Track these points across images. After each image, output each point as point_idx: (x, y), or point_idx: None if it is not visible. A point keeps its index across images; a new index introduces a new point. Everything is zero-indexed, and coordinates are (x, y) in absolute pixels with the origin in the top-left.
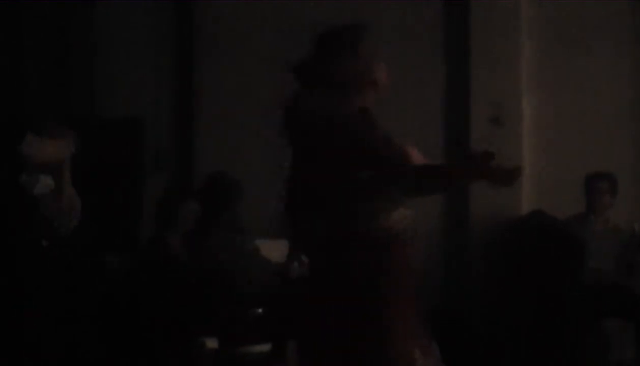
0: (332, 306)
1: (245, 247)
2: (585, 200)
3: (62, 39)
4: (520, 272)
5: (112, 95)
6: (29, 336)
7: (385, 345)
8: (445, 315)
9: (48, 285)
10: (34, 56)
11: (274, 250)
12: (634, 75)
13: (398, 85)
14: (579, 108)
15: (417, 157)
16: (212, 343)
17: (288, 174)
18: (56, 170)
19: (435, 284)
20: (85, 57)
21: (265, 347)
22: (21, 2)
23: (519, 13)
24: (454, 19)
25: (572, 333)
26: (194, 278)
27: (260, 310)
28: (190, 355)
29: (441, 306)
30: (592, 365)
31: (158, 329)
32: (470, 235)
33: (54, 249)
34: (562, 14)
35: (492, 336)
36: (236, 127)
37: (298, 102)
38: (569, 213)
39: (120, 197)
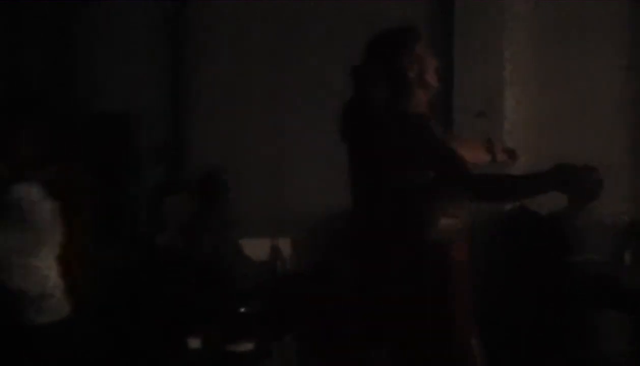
0: (396, 307)
1: (231, 244)
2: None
3: (60, 37)
4: (505, 266)
5: (107, 91)
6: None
7: (453, 342)
8: None
9: None
10: (32, 54)
11: (256, 248)
12: (623, 71)
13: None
14: (564, 104)
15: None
16: (196, 342)
17: (349, 176)
18: None
19: None
20: (83, 54)
21: (249, 345)
22: (20, 1)
23: (503, 8)
24: (438, 14)
25: (560, 325)
26: (182, 275)
27: (244, 308)
28: (175, 353)
29: None
30: (581, 356)
31: (145, 326)
32: None
33: None
34: (551, 10)
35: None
36: (224, 128)
37: (355, 104)
38: (552, 207)
39: (114, 193)
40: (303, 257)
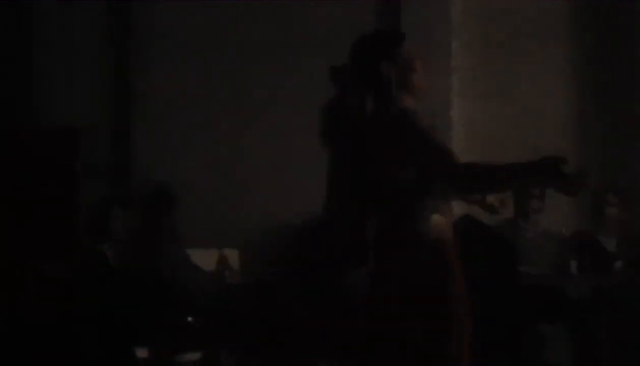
0: (395, 308)
1: (179, 255)
2: (514, 204)
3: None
4: None
5: (49, 104)
6: None
7: (453, 343)
8: None
9: None
10: None
11: (204, 259)
12: (567, 78)
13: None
14: (509, 112)
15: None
16: (144, 352)
17: (328, 176)
18: None
19: None
20: (23, 67)
21: (197, 355)
22: None
23: (449, 18)
24: (385, 23)
25: (506, 335)
26: (129, 287)
27: (190, 319)
28: (124, 363)
29: None
30: None
31: (93, 337)
32: None
33: None
34: (493, 19)
35: None
36: (171, 141)
37: (336, 105)
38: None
39: (57, 205)
40: (251, 267)
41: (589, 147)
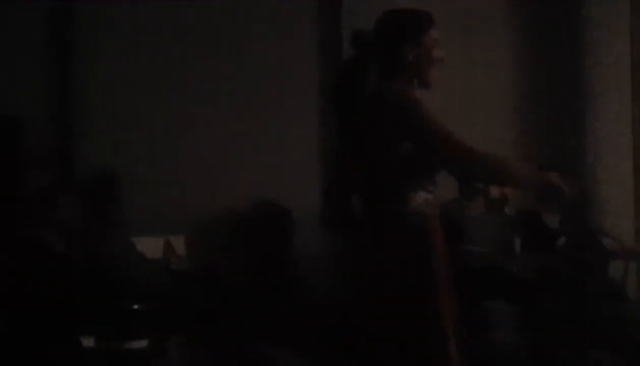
0: (379, 289)
1: (124, 242)
2: (458, 185)
3: None
4: None
5: None
6: None
7: (438, 323)
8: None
9: None
10: None
11: (150, 246)
12: (512, 62)
13: (273, 84)
14: (456, 95)
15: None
16: (89, 340)
17: (336, 150)
18: None
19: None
20: None
21: (143, 343)
22: None
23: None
24: (328, 20)
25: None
26: (73, 274)
27: (137, 306)
28: (69, 352)
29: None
30: (472, 345)
31: (37, 326)
32: None
33: None
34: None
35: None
36: (115, 126)
37: (349, 71)
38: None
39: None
40: (198, 254)
41: (530, 125)
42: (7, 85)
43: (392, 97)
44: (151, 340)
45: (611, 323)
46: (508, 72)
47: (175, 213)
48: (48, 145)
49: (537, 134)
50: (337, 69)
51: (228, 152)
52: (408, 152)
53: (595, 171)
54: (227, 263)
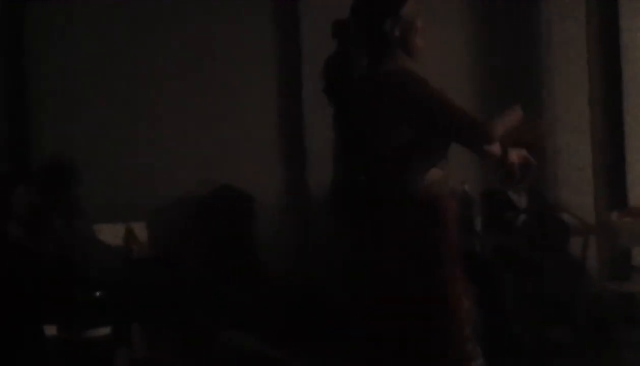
0: (387, 266)
1: (84, 230)
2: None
3: None
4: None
5: None
6: None
7: (447, 297)
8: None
9: None
10: None
11: (111, 233)
12: (464, 46)
13: (231, 67)
14: None
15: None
16: (52, 329)
17: (334, 135)
18: None
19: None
20: None
21: (106, 330)
22: None
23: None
24: (284, 22)
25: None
26: (33, 264)
27: (99, 293)
28: (32, 340)
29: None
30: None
31: None
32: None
33: None
34: None
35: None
36: (72, 114)
37: (337, 62)
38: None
39: None
40: (159, 241)
41: (488, 104)
42: None
43: (397, 78)
44: (114, 327)
45: (570, 299)
46: (461, 55)
47: (137, 200)
48: (2, 137)
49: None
50: (325, 63)
51: (188, 137)
52: (416, 133)
53: (554, 148)
54: (188, 249)
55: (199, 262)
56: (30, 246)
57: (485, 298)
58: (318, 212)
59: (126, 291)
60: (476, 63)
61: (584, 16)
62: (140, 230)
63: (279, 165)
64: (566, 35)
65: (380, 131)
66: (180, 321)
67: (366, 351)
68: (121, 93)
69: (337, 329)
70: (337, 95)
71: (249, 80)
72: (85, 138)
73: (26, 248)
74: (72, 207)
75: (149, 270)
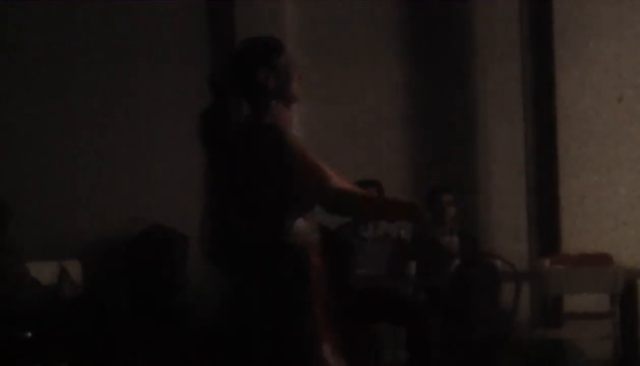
0: (259, 312)
1: (14, 268)
2: None
3: None
4: None
5: None
6: None
7: (312, 344)
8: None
9: None
10: None
11: (44, 271)
12: (401, 83)
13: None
14: (345, 119)
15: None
16: None
17: (206, 183)
18: None
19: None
20: None
21: None
22: None
23: (283, 27)
24: (220, 28)
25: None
26: None
27: (29, 334)
28: None
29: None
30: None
31: None
32: None
33: None
34: (328, 24)
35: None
36: (1, 151)
37: (213, 115)
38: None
39: None
40: (93, 279)
41: (422, 147)
42: None
43: (262, 132)
44: None
45: (499, 345)
46: (396, 97)
47: (69, 238)
48: None
49: (425, 158)
50: (200, 116)
51: (122, 174)
52: (280, 183)
53: (488, 194)
54: (115, 289)
55: (124, 303)
56: None
57: (413, 342)
58: None
59: (56, 331)
60: (408, 107)
61: (519, 62)
62: (75, 267)
63: None
64: (501, 80)
65: (248, 183)
66: (103, 363)
67: None
68: (59, 135)
69: None
70: (211, 145)
71: (176, 122)
72: (15, 176)
73: None
74: (3, 244)
75: (76, 310)
